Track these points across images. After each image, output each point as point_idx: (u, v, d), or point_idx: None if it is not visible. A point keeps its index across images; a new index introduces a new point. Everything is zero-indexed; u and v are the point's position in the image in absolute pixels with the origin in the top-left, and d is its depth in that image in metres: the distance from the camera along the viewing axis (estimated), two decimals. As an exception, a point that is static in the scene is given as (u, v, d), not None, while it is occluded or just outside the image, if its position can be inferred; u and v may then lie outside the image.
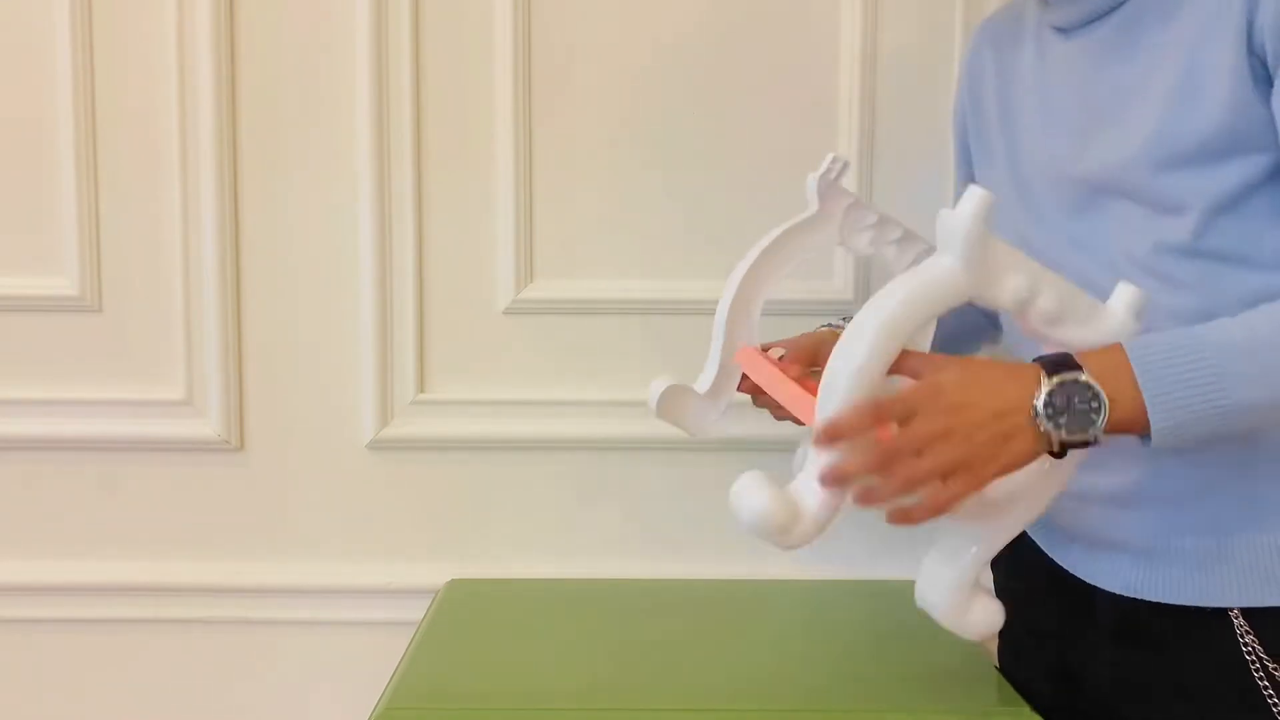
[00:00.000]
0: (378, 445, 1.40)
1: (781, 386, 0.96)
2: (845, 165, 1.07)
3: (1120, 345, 0.80)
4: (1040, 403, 0.77)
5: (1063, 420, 0.77)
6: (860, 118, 1.36)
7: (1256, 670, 0.89)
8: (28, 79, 1.36)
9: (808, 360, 1.05)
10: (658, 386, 1.07)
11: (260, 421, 1.41)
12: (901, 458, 0.78)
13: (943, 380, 0.79)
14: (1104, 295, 0.85)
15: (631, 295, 1.38)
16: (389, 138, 1.36)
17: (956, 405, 0.78)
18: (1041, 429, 0.78)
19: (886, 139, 1.37)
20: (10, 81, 1.36)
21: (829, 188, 1.06)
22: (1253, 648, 0.89)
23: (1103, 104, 0.95)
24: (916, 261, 1.07)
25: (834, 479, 0.79)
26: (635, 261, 1.38)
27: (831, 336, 1.07)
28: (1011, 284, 0.81)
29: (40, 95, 1.36)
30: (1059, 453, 0.79)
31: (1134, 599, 0.96)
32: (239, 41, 1.36)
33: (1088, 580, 1.01)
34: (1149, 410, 0.78)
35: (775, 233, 1.06)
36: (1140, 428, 0.79)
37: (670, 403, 1.07)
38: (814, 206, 1.07)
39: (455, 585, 1.38)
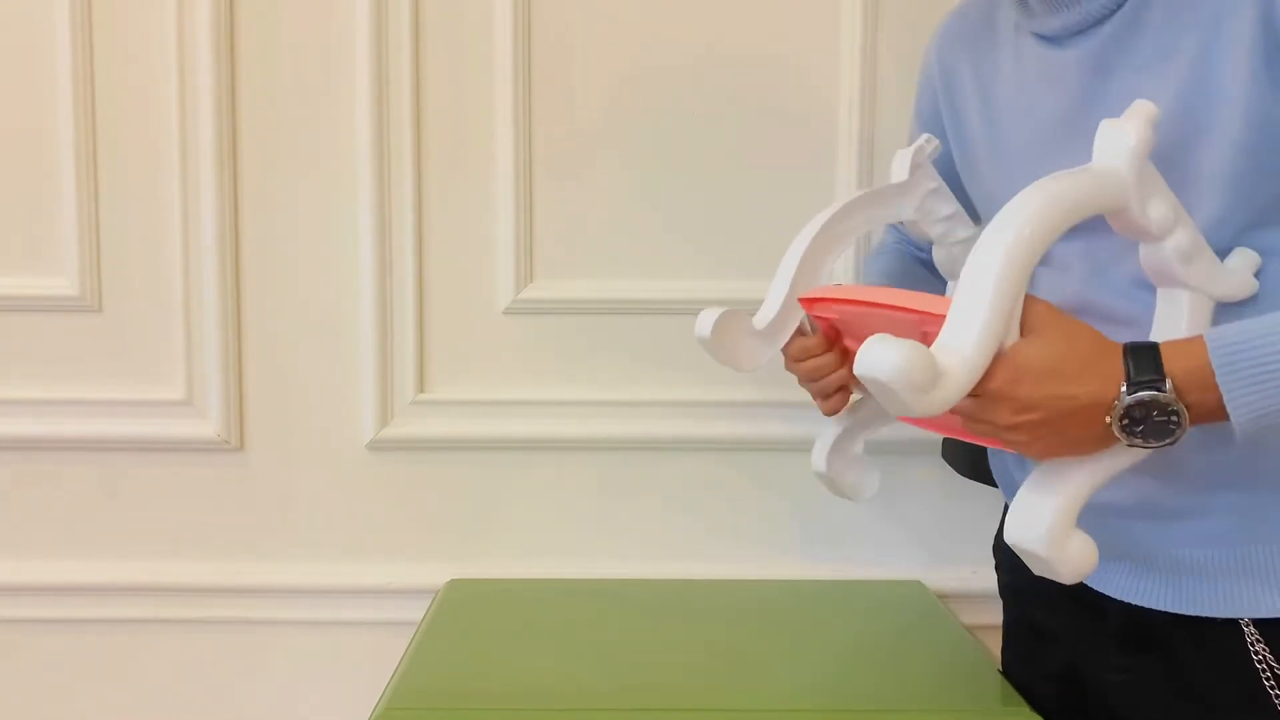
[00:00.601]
0: (378, 445, 1.40)
1: (883, 292, 0.90)
2: (937, 148, 1.04)
3: (1203, 341, 0.77)
4: (1118, 414, 0.76)
5: (1139, 429, 0.76)
6: (860, 118, 1.36)
7: (1267, 678, 0.88)
8: (28, 79, 1.36)
9: None
10: (710, 314, 1.00)
11: (260, 421, 1.41)
12: (983, 426, 0.80)
13: (1022, 363, 0.77)
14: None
15: (631, 295, 1.38)
16: (389, 138, 1.36)
17: (1030, 403, 0.77)
18: (1116, 433, 0.77)
19: (887, 139, 1.37)
20: (10, 82, 1.36)
21: (920, 165, 1.04)
22: (1263, 655, 0.88)
23: (1093, 127, 0.88)
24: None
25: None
26: (635, 261, 1.38)
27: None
28: (1158, 209, 0.80)
29: (40, 96, 1.36)
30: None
31: (1143, 607, 0.95)
32: (239, 41, 1.36)
33: (1097, 589, 0.99)
34: (1229, 412, 0.76)
35: (859, 192, 1.03)
36: (1223, 420, 0.77)
37: (724, 331, 1.00)
38: (904, 176, 1.03)
39: (455, 585, 1.38)
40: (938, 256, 1.10)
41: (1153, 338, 0.83)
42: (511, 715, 1.03)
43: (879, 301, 0.90)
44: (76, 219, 1.36)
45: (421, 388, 1.40)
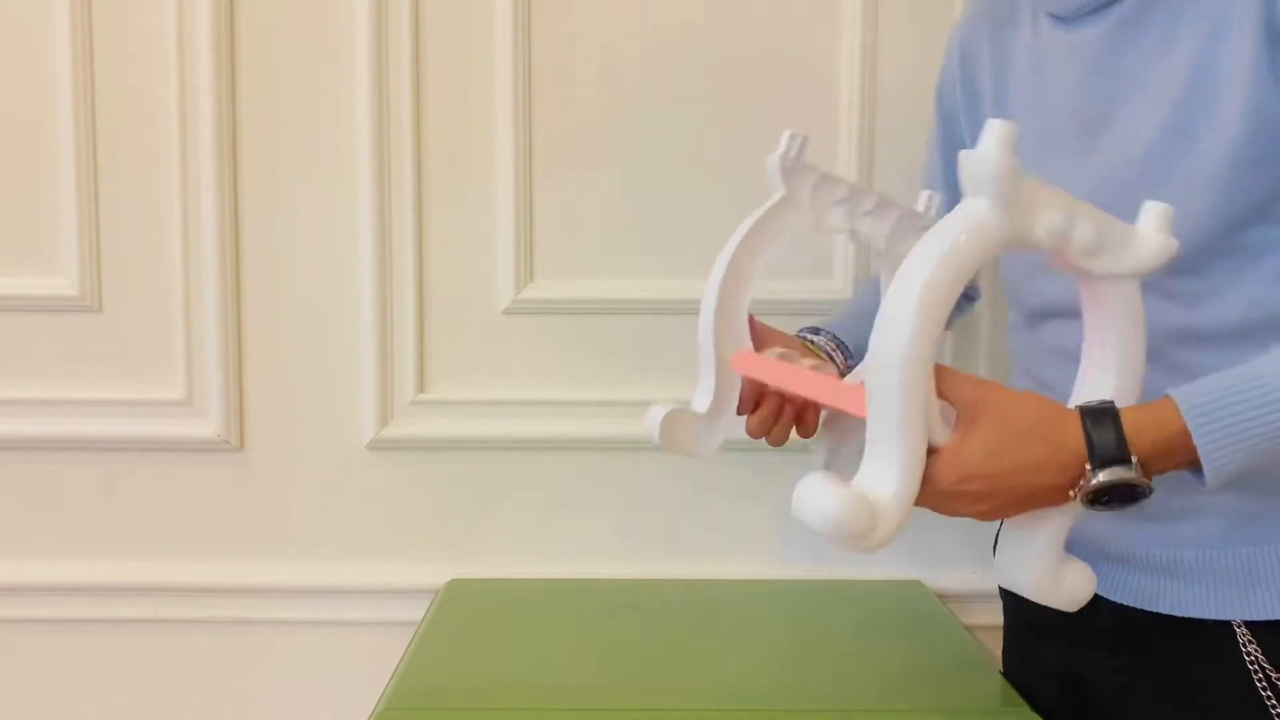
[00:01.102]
0: (378, 445, 1.40)
1: (808, 381, 0.90)
2: (805, 141, 0.96)
3: (1175, 405, 0.74)
4: (1084, 496, 0.74)
5: (1105, 500, 0.74)
6: (860, 117, 1.36)
7: (1260, 680, 0.89)
8: (28, 79, 1.36)
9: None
10: (656, 414, 0.96)
11: (260, 421, 1.41)
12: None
13: (966, 460, 0.74)
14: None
15: (631, 295, 1.38)
16: (389, 138, 1.36)
17: (984, 494, 0.75)
18: (1081, 506, 0.75)
19: (887, 138, 1.37)
20: (10, 82, 1.36)
21: (791, 167, 0.96)
22: (1255, 657, 0.89)
23: (1100, 109, 0.91)
24: (896, 228, 0.99)
25: None
26: (635, 261, 1.38)
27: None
28: (1046, 220, 0.73)
29: (40, 95, 1.36)
30: None
31: (1137, 609, 0.95)
32: (239, 41, 1.36)
33: (1100, 594, 0.98)
34: (1207, 476, 0.75)
35: (743, 229, 0.97)
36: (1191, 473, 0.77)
37: (672, 431, 0.97)
38: (779, 191, 0.97)
39: (455, 585, 1.38)
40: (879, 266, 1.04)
41: (1085, 334, 0.80)
42: (511, 715, 1.03)
43: (799, 394, 0.90)
44: (76, 219, 1.36)
45: (421, 388, 1.40)
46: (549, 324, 1.39)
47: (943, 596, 1.37)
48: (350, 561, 1.42)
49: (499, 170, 1.37)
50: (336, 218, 1.38)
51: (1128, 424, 0.73)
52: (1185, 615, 0.92)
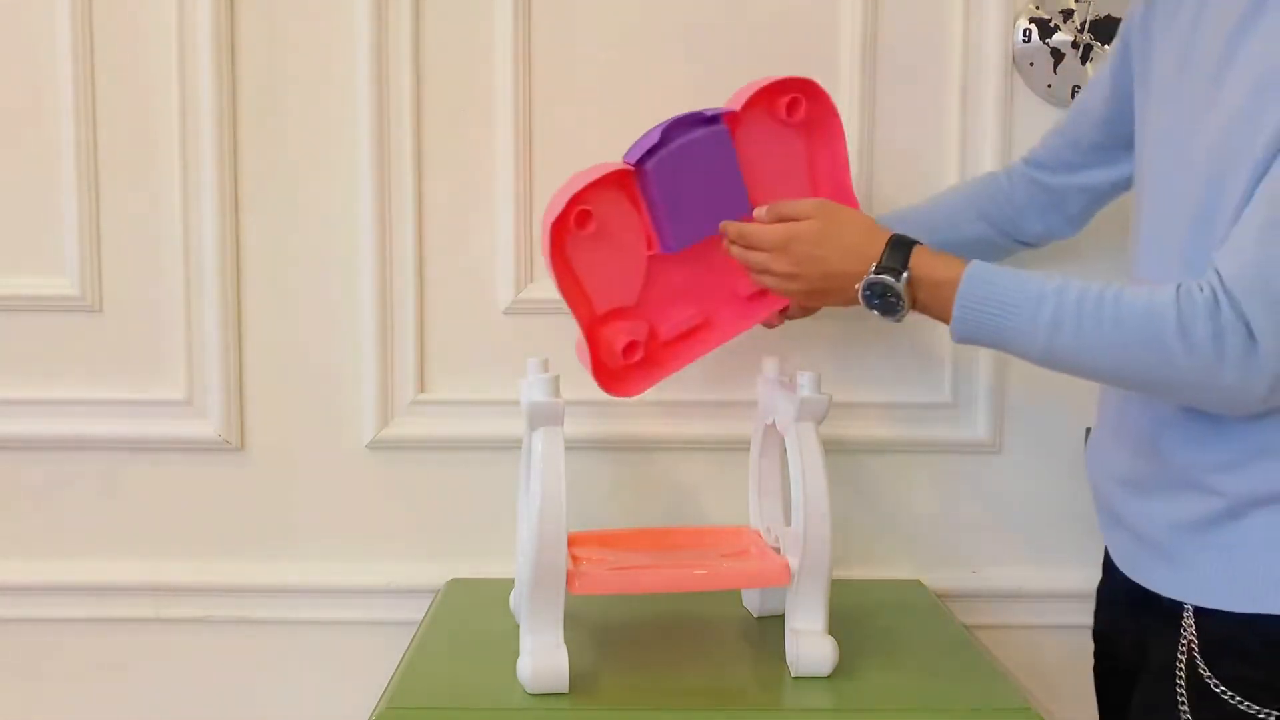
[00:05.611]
0: (378, 445, 1.40)
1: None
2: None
3: (961, 265, 0.95)
4: (862, 285, 0.98)
5: (875, 303, 0.99)
6: (861, 117, 1.36)
7: (1180, 667, 0.93)
8: (28, 79, 1.36)
9: None
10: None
11: (260, 421, 1.41)
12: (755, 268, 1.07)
13: (801, 230, 1.03)
14: None
15: (631, 295, 1.38)
16: (389, 138, 1.36)
17: (802, 258, 1.03)
18: (855, 297, 0.99)
19: (887, 139, 1.37)
20: (11, 82, 1.36)
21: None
22: (1188, 644, 0.93)
23: (1233, 76, 0.89)
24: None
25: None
26: (635, 261, 1.38)
27: None
28: None
29: (40, 95, 1.36)
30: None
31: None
32: (239, 42, 1.36)
33: (1108, 547, 1.07)
34: (952, 336, 0.96)
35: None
36: (942, 322, 0.97)
37: None
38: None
39: (455, 585, 1.38)
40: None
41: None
42: (511, 715, 1.03)
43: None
44: (76, 219, 1.36)
45: (421, 388, 1.40)
46: (549, 324, 1.39)
47: (942, 596, 1.37)
48: (350, 561, 1.42)
49: (499, 170, 1.37)
50: (337, 218, 1.38)
51: (920, 254, 0.97)
52: (1153, 590, 0.97)
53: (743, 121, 1.12)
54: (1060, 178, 1.18)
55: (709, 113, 1.10)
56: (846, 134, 1.36)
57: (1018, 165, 1.24)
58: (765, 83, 1.12)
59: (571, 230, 1.09)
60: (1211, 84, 0.91)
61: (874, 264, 0.97)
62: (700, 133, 1.10)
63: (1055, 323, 0.89)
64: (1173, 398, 0.92)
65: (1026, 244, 1.24)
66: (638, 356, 1.15)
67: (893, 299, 0.97)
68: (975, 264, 0.94)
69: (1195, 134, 0.91)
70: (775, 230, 1.04)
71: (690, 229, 1.13)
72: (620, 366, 1.15)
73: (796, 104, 1.14)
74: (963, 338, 0.95)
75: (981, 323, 0.93)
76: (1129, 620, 1.03)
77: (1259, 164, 0.84)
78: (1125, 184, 1.14)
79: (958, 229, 1.22)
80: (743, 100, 1.12)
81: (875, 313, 0.99)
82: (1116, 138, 1.11)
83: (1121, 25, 1.11)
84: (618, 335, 1.14)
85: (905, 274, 0.96)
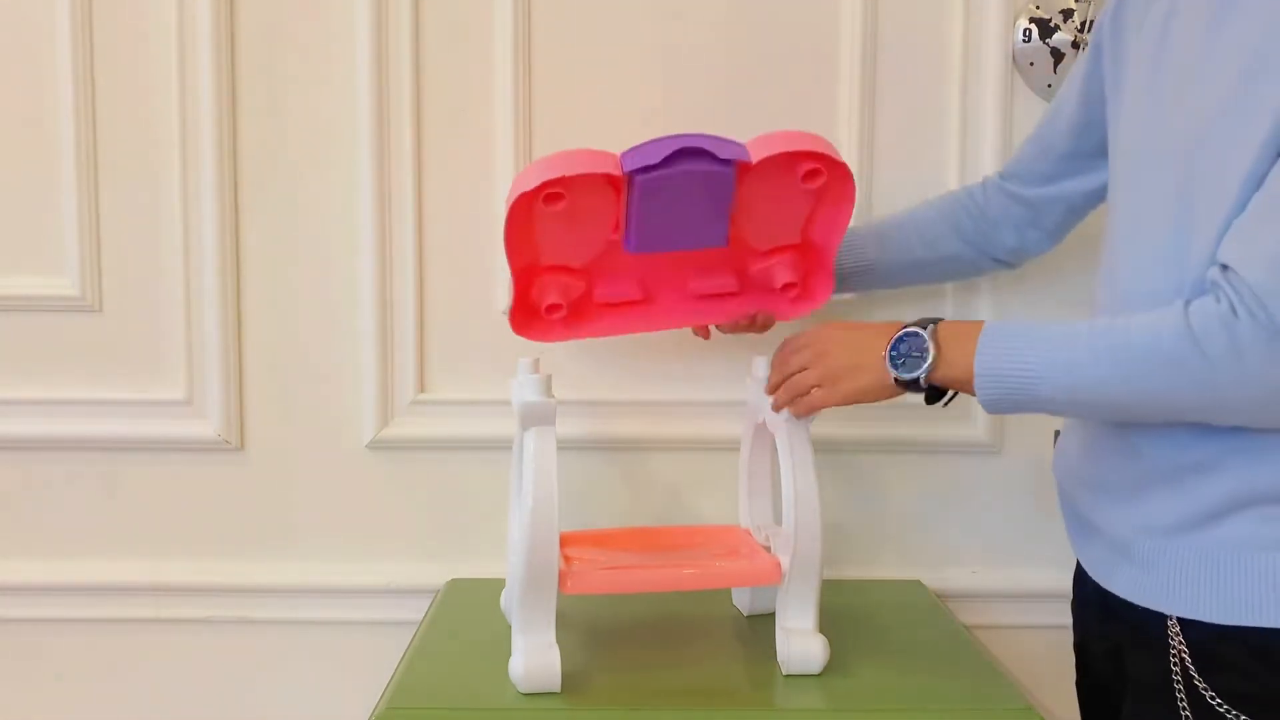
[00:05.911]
0: (378, 445, 1.40)
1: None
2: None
3: (983, 323, 0.95)
4: (893, 338, 0.98)
5: (900, 363, 0.97)
6: (861, 117, 1.36)
7: (1177, 681, 0.90)
8: (28, 80, 1.36)
9: None
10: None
11: (260, 421, 1.41)
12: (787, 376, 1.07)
13: (821, 327, 1.06)
14: None
15: (631, 295, 1.38)
16: (389, 138, 1.36)
17: (821, 353, 1.03)
18: (885, 367, 0.98)
19: (887, 137, 1.37)
20: (11, 82, 1.36)
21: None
22: (1179, 656, 0.90)
23: (1212, 66, 0.88)
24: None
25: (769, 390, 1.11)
26: (635, 261, 1.38)
27: None
28: None
29: (41, 96, 1.36)
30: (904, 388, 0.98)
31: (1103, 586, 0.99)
32: (239, 41, 1.36)
33: (1078, 557, 1.04)
34: (975, 381, 0.93)
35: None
36: (971, 391, 0.94)
37: None
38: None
39: (455, 585, 1.38)
40: None
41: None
42: (511, 715, 1.03)
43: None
44: (76, 219, 1.36)
45: (421, 388, 1.40)
46: (549, 324, 1.39)
47: (942, 596, 1.37)
48: (350, 561, 1.42)
49: (499, 170, 1.37)
50: (337, 218, 1.38)
51: (942, 326, 0.97)
52: (1131, 601, 0.95)
53: (754, 171, 1.06)
54: (1034, 189, 1.17)
55: (724, 154, 1.03)
56: (846, 133, 1.37)
57: (991, 179, 1.23)
58: (790, 147, 1.05)
59: (539, 206, 1.05)
60: (1187, 80, 0.90)
61: (901, 328, 0.98)
62: (705, 167, 1.03)
63: (1087, 358, 0.87)
64: (1217, 419, 0.87)
65: (1002, 261, 1.23)
66: (558, 317, 1.15)
67: (918, 355, 0.96)
68: (990, 323, 0.95)
69: (1172, 131, 0.90)
70: (798, 338, 1.07)
71: (657, 241, 1.10)
72: (539, 318, 1.16)
73: (816, 174, 1.07)
74: (990, 400, 0.93)
75: (1004, 365, 0.91)
76: (1100, 629, 1.02)
77: (1265, 146, 0.82)
78: (1100, 194, 1.11)
79: (933, 247, 1.22)
80: (761, 155, 1.04)
81: (898, 375, 0.97)
82: (1089, 143, 1.09)
83: (1093, 28, 1.10)
84: (548, 290, 1.14)
85: (931, 325, 0.96)
